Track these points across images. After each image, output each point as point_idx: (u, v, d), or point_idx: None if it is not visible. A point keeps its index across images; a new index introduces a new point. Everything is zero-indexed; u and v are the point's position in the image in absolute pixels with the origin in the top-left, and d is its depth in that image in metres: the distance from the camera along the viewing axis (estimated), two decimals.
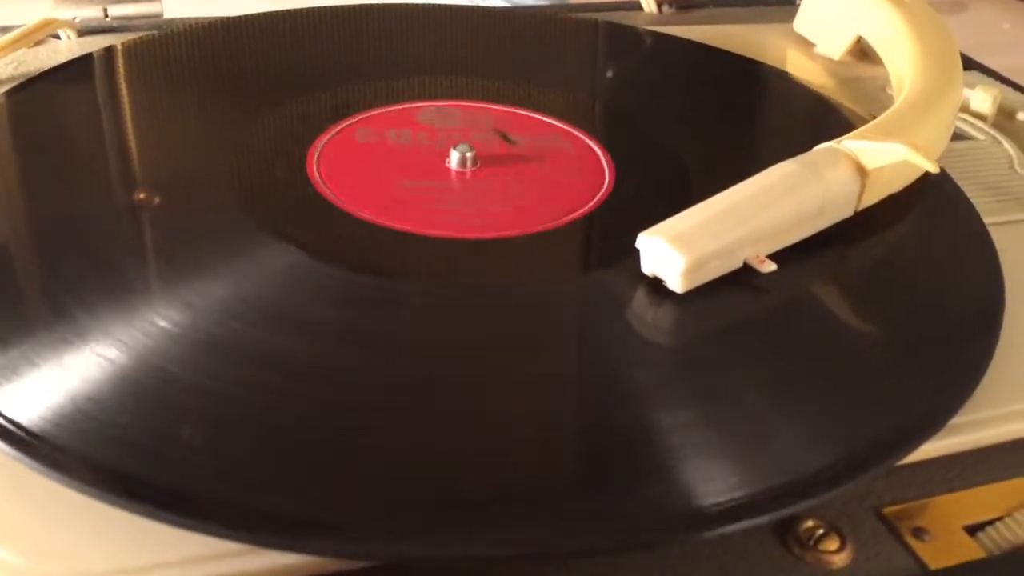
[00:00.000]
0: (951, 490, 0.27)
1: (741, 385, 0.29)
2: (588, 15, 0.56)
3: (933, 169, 0.32)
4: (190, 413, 0.26)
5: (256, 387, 0.27)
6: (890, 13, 0.45)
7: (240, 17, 0.49)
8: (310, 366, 0.28)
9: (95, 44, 0.48)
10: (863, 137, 0.34)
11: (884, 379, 0.29)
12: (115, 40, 0.48)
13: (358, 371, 0.28)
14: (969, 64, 0.52)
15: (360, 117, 0.40)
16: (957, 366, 0.30)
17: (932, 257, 0.35)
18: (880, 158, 0.33)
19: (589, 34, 0.52)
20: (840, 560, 0.25)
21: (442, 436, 0.26)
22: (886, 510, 0.27)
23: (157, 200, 0.35)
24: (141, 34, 0.49)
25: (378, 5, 0.50)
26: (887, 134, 0.34)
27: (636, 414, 0.27)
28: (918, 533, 0.26)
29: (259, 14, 0.49)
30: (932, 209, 0.37)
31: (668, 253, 0.30)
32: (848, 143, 0.34)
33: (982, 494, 0.27)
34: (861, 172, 0.34)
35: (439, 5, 0.51)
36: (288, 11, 0.49)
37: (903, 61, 0.42)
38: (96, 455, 0.24)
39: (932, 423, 0.28)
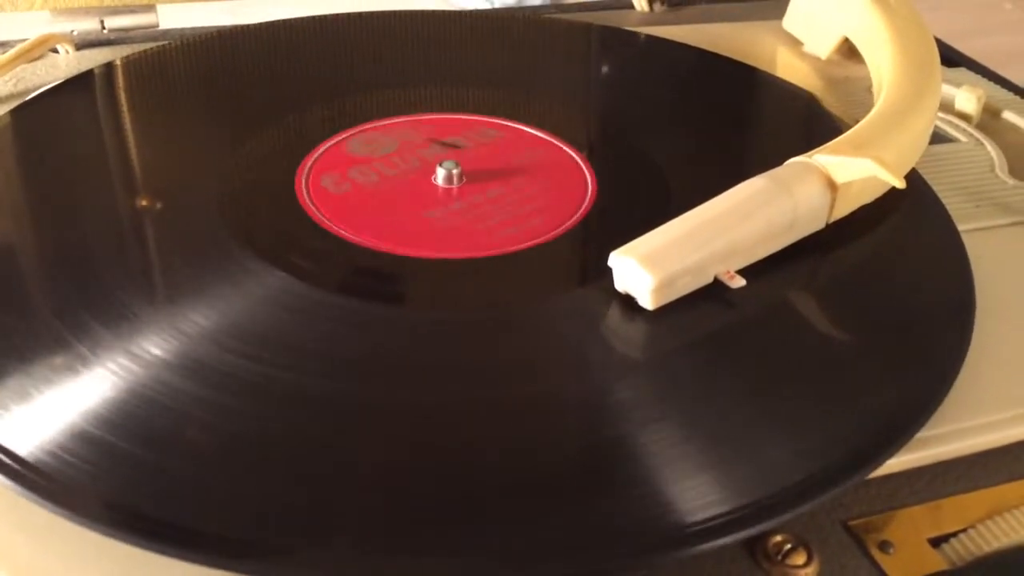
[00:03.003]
0: (918, 502, 0.28)
1: (713, 401, 0.29)
2: (576, 16, 0.56)
3: (899, 185, 0.33)
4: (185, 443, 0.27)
5: (247, 415, 0.28)
6: (873, 15, 0.45)
7: (231, 28, 0.49)
8: (309, 395, 0.29)
9: (93, 58, 0.49)
10: (834, 151, 0.34)
11: (854, 392, 0.30)
12: (113, 54, 0.49)
13: (342, 397, 0.29)
14: (957, 60, 0.52)
15: (347, 134, 0.41)
16: (926, 379, 0.31)
17: (904, 268, 0.36)
18: (849, 172, 0.34)
19: (573, 38, 0.53)
20: (807, 574, 0.26)
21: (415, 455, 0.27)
22: (853, 523, 0.27)
23: (154, 221, 0.36)
24: (138, 46, 0.50)
25: (364, 13, 0.51)
26: (858, 147, 0.35)
27: (606, 434, 0.28)
28: (884, 546, 0.27)
29: (250, 26, 0.49)
30: (906, 217, 0.37)
31: (638, 272, 0.31)
32: (818, 157, 0.34)
33: (947, 506, 0.28)
34: (831, 186, 0.34)
35: (430, 11, 0.52)
36: (279, 22, 0.50)
37: (883, 66, 0.42)
38: (90, 486, 0.25)
39: (903, 436, 0.28)
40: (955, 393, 0.30)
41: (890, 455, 0.28)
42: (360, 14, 0.51)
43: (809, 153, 0.35)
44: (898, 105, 0.37)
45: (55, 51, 0.50)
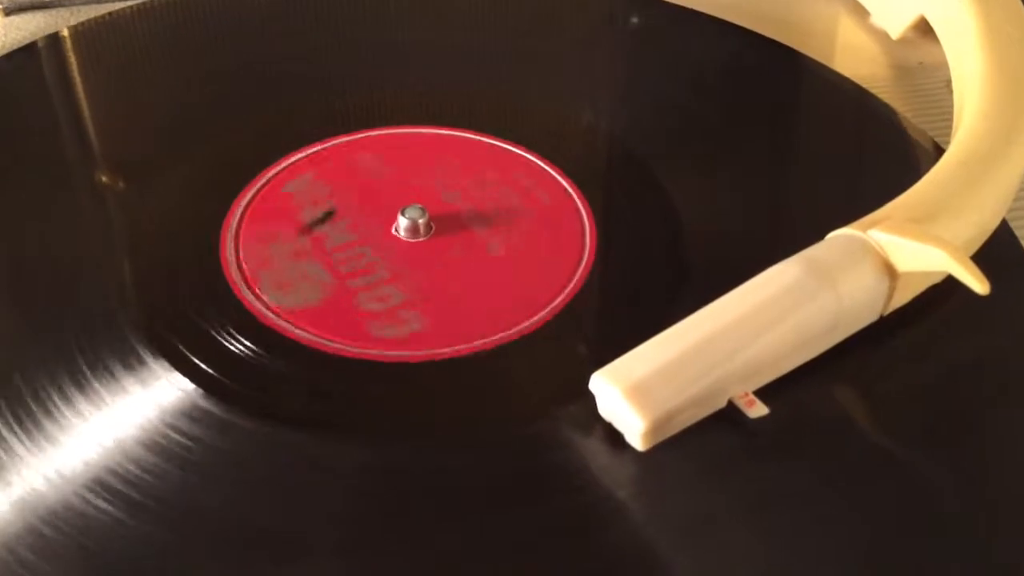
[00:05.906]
0: None
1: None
2: None
3: (981, 291, 0.25)
4: None
5: None
6: (961, 4, 0.35)
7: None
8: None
9: (23, 24, 0.42)
10: (896, 229, 0.26)
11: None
12: (46, 19, 0.43)
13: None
14: None
15: (289, 162, 0.34)
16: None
17: (980, 377, 0.27)
18: (914, 261, 0.26)
19: (576, 6, 0.44)
20: None
21: None
22: None
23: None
24: (77, 10, 0.43)
25: None
26: (926, 216, 0.27)
27: None
28: None
29: None
30: (985, 304, 0.27)
31: (624, 408, 0.24)
32: (875, 234, 0.26)
33: None
34: (890, 273, 0.26)
35: None
36: None
37: (965, 74, 0.33)
38: None
39: None
40: None
41: None
42: None
43: (862, 222, 0.27)
44: (983, 152, 0.29)
45: None
